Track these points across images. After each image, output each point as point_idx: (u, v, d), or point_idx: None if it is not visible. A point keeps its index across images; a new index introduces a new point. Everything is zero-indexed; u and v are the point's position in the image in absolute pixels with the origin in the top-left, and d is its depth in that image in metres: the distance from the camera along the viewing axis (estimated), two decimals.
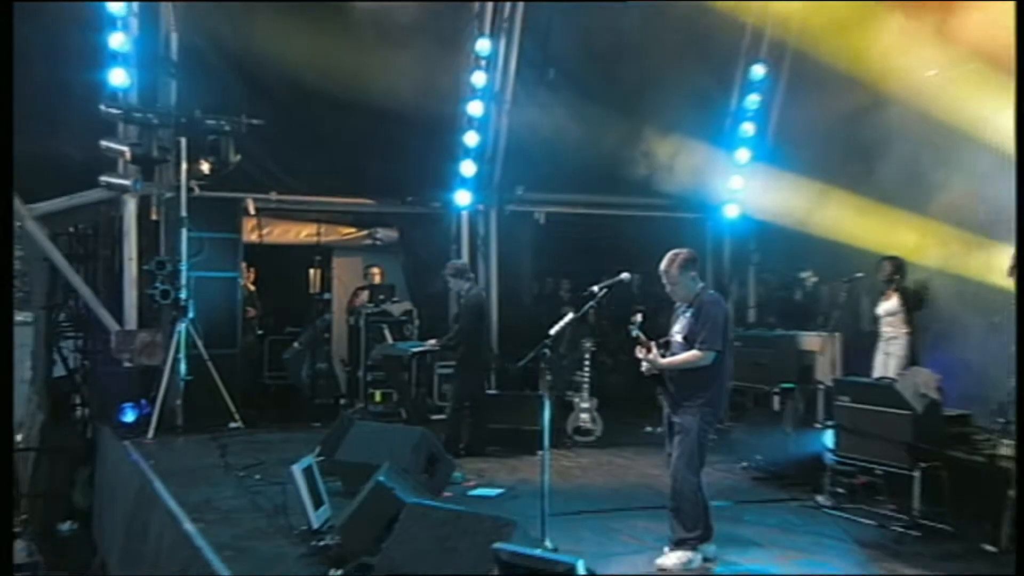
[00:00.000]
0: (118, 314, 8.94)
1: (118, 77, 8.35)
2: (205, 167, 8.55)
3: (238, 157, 8.44)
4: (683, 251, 5.08)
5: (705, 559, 4.76)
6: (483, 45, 9.63)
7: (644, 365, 5.05)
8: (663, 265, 5.01)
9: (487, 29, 9.78)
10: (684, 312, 5.02)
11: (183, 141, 8.36)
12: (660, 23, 10.18)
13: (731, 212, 11.79)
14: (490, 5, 9.76)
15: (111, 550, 8.01)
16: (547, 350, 5.33)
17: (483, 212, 10.71)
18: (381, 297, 9.60)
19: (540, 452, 7.64)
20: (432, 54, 9.77)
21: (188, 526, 5.71)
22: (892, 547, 5.60)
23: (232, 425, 8.53)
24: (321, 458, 6.64)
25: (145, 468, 7.40)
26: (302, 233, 10.40)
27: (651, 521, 5.82)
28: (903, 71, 9.17)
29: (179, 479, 7.07)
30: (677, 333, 5.02)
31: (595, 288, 5.29)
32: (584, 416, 8.75)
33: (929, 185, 8.88)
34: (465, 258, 10.28)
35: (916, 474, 5.94)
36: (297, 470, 5.27)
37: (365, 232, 10.88)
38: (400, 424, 8.04)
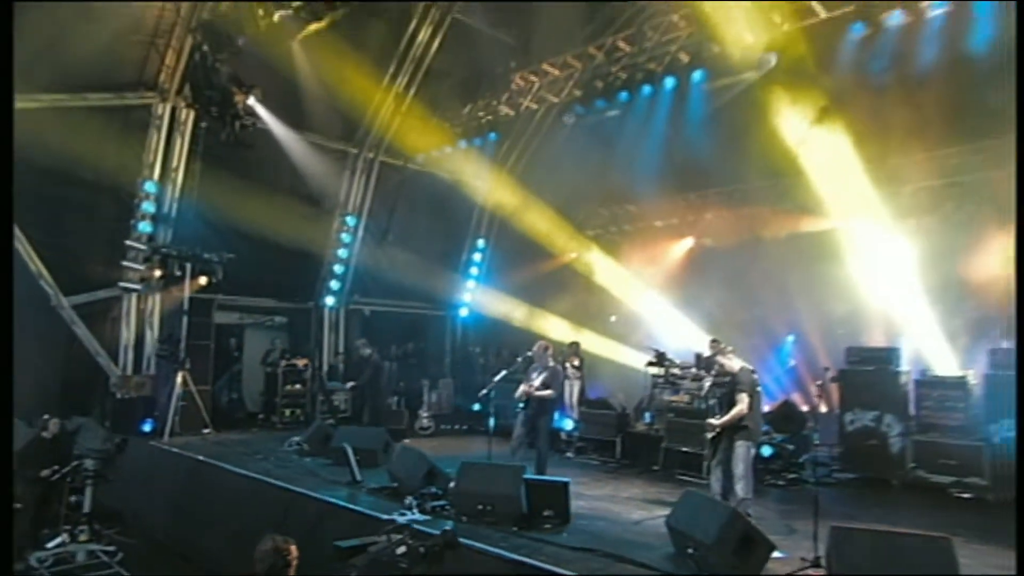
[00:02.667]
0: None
1: (143, 225, 11.57)
2: (203, 280, 11.73)
3: (222, 276, 11.81)
4: (544, 342, 8.70)
5: None
6: (349, 219, 14.09)
7: (519, 391, 8.28)
8: (536, 349, 8.49)
9: (351, 210, 14.24)
10: (541, 371, 8.32)
11: (188, 266, 11.49)
12: (436, 209, 15.19)
13: (463, 312, 16.61)
14: (351, 198, 14.35)
15: (148, 510, 9.76)
16: (494, 392, 8.62)
17: (336, 309, 14.64)
18: (288, 355, 13.10)
19: (406, 440, 10.89)
20: (320, 221, 13.94)
21: (281, 482, 7.83)
22: (611, 472, 9.35)
23: (205, 431, 11.43)
24: (305, 447, 9.91)
25: (192, 454, 9.66)
26: (232, 317, 13.57)
27: None
28: (559, 245, 14.70)
29: (225, 460, 9.14)
30: (536, 379, 8.25)
31: (519, 358, 8.99)
32: (424, 421, 12.76)
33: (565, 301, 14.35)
34: (326, 335, 14.50)
35: (617, 439, 9.99)
36: (348, 448, 8.28)
37: (268, 318, 14.41)
38: (360, 426, 10.90)
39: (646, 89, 10.91)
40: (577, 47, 11.37)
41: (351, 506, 6.95)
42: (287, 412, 12.89)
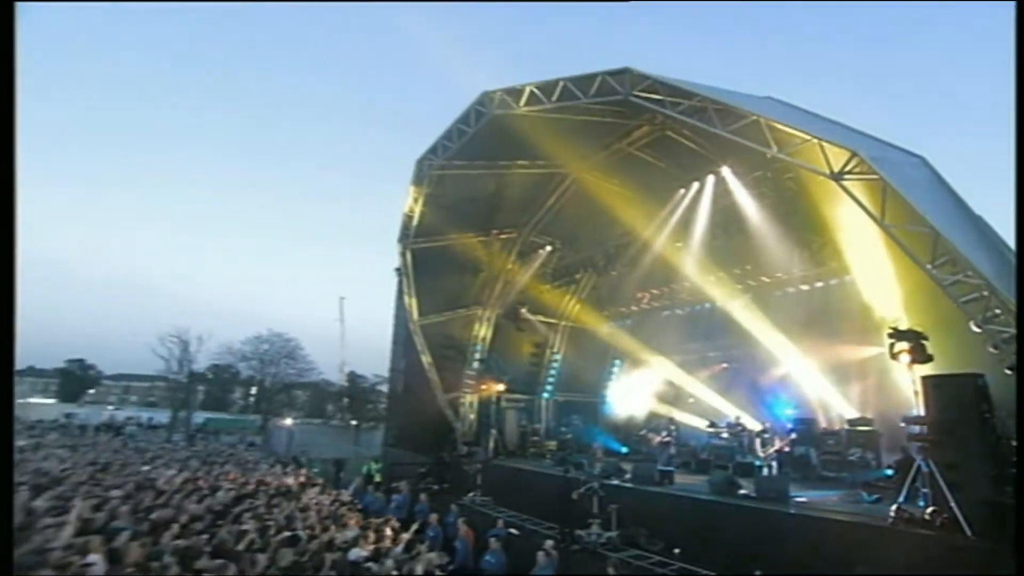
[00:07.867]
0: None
1: (474, 364, 24.13)
2: (501, 387, 23.59)
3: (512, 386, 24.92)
4: (667, 418, 19.07)
5: None
6: (556, 355, 28.17)
7: (656, 440, 18.94)
8: (664, 420, 19.24)
9: (556, 351, 28.71)
10: (663, 431, 18.38)
11: (493, 381, 25.04)
12: (596, 349, 27.46)
13: (607, 399, 27.00)
14: (557, 347, 28.75)
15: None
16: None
17: (548, 399, 26.11)
18: (531, 425, 24.99)
19: None
20: (544, 357, 27.96)
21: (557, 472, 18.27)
22: (693, 474, 18.55)
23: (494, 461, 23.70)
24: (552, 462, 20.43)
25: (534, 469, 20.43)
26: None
27: None
28: None
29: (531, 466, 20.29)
30: (664, 433, 18.61)
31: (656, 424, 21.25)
32: (600, 454, 22.21)
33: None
34: (542, 413, 25.63)
35: (692, 461, 19.37)
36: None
37: (515, 404, 25.42)
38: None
39: None
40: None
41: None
42: (531, 450, 23.03)
